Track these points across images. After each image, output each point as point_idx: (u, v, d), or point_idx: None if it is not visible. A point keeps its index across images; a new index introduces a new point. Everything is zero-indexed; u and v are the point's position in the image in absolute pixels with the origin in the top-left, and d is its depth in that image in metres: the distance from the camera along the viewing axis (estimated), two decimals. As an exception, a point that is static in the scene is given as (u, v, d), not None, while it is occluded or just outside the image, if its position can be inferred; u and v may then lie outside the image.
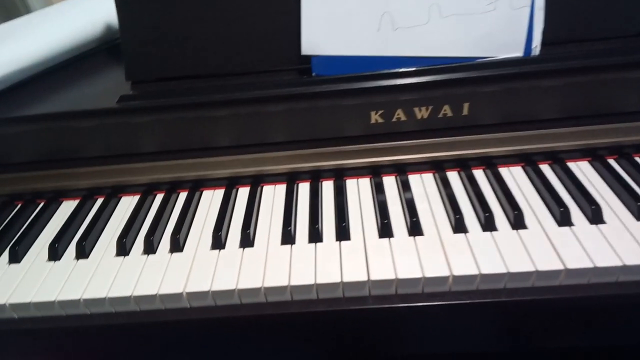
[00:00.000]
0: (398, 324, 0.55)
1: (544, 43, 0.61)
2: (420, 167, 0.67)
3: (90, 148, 0.68)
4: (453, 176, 0.66)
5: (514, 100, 0.60)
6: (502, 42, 0.59)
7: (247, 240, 0.58)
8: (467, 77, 0.59)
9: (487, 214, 0.57)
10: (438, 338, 0.57)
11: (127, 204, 0.69)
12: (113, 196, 0.70)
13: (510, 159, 0.66)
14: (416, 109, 0.60)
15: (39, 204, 0.71)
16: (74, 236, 0.64)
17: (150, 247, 0.59)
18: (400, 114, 0.61)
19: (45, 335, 0.56)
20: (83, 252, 0.60)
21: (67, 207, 0.69)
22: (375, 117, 0.61)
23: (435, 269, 0.52)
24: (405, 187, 0.64)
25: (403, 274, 0.52)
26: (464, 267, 0.52)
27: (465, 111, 0.61)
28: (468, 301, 0.52)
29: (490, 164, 0.66)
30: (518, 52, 0.60)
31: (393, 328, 0.56)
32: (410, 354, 0.60)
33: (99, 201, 0.69)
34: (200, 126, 0.66)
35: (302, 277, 0.53)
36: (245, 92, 0.65)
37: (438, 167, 0.67)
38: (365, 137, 0.65)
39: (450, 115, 0.61)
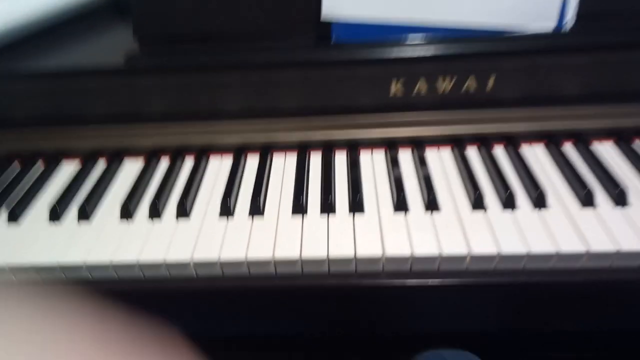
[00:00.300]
0: (410, 301, 0.54)
1: (578, 16, 0.58)
2: (438, 141, 0.64)
3: (94, 108, 0.65)
4: (472, 152, 0.64)
5: (542, 76, 0.58)
6: (533, 11, 0.56)
7: (256, 209, 0.56)
8: (496, 49, 0.56)
9: (507, 192, 0.55)
10: (450, 317, 0.56)
11: (131, 168, 0.66)
12: (116, 158, 0.67)
13: (533, 137, 0.64)
14: (439, 81, 0.58)
15: (39, 163, 0.68)
16: (75, 197, 0.61)
17: (155, 212, 0.57)
18: (422, 86, 0.58)
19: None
20: (85, 215, 0.58)
21: (68, 168, 0.67)
22: (395, 87, 0.58)
23: (453, 246, 0.50)
24: (422, 161, 0.62)
25: (420, 251, 0.50)
26: (483, 245, 0.50)
27: (490, 85, 0.58)
28: (486, 281, 0.50)
29: (512, 141, 0.64)
30: (550, 24, 0.57)
31: (405, 305, 0.54)
32: (420, 332, 0.58)
33: (102, 163, 0.67)
34: (209, 90, 0.63)
35: (314, 249, 0.51)
36: (258, 56, 0.62)
37: (457, 143, 0.64)
38: (383, 109, 0.63)
39: (474, 88, 0.58)
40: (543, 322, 0.54)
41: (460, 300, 0.53)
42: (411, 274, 0.51)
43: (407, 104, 0.61)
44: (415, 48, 0.57)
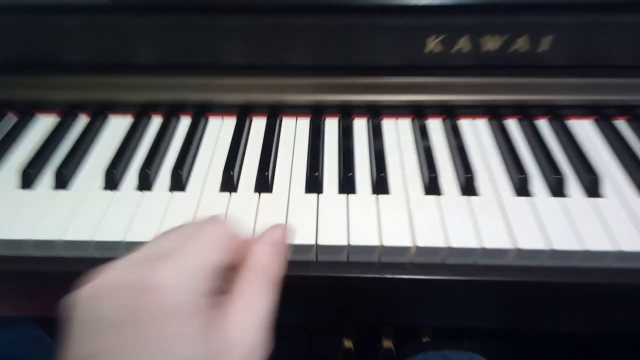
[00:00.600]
0: (440, 296, 0.47)
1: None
2: (473, 110, 0.56)
3: (74, 53, 0.55)
4: (513, 125, 0.55)
5: (609, 39, 0.49)
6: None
7: (264, 184, 0.48)
8: (563, 2, 0.46)
9: (557, 176, 0.47)
10: (486, 315, 0.49)
11: (117, 126, 0.57)
12: (100, 115, 0.58)
13: (580, 110, 0.55)
14: (485, 38, 0.48)
15: (10, 116, 0.58)
16: (50, 160, 0.53)
17: (146, 182, 0.49)
18: (464, 43, 0.49)
19: (13, 278, 0.47)
20: (63, 182, 0.49)
21: (44, 124, 0.57)
22: (432, 44, 0.49)
23: (496, 238, 0.43)
24: (455, 133, 0.54)
25: (457, 242, 0.43)
26: (530, 239, 0.43)
27: (543, 46, 0.49)
28: (532, 280, 0.43)
29: (557, 115, 0.55)
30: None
31: (433, 301, 0.48)
32: (448, 328, 0.52)
33: (83, 119, 0.58)
34: (209, 36, 0.53)
35: (332, 235, 0.43)
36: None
37: (495, 113, 0.56)
38: (412, 69, 0.54)
39: (525, 50, 0.49)
40: (598, 327, 0.48)
41: (493, 298, 0.47)
42: (442, 266, 0.44)
43: (441, 64, 0.52)
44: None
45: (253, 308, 0.29)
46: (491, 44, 0.49)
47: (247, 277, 0.30)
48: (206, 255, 0.28)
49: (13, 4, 0.53)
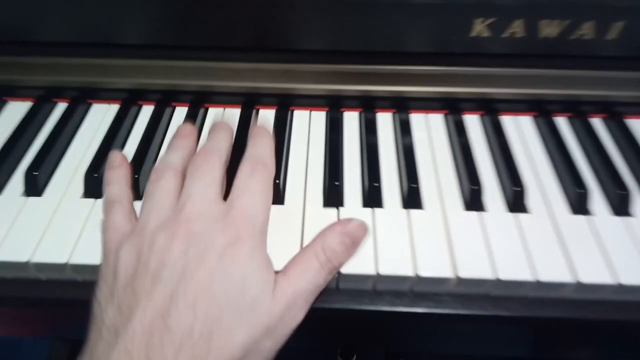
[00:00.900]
0: (484, 333, 0.40)
1: None
2: (516, 105, 0.48)
3: (49, 29, 0.46)
4: (563, 124, 0.47)
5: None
6: None
7: (275, 195, 0.40)
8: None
9: (622, 192, 0.40)
10: (528, 351, 0.43)
11: (100, 117, 0.49)
12: (81, 102, 0.49)
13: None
14: (543, 22, 0.40)
15: (-25, 102, 0.50)
16: (21, 159, 0.45)
17: (136, 189, 0.41)
18: (517, 27, 0.40)
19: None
20: (35, 187, 0.41)
21: (13, 112, 0.49)
22: (480, 27, 0.41)
23: (552, 269, 0.36)
24: (497, 132, 0.46)
25: (506, 274, 0.36)
26: (593, 270, 0.36)
27: (612, 34, 0.41)
28: (596, 317, 0.37)
29: (613, 113, 0.48)
30: None
31: (470, 337, 0.41)
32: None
33: (60, 107, 0.49)
34: (207, 11, 0.44)
35: (357, 261, 0.36)
36: None
37: (542, 109, 0.48)
38: (447, 57, 0.45)
39: (589, 37, 0.41)
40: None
41: (541, 336, 0.40)
42: (487, 300, 0.37)
43: (486, 52, 0.44)
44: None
45: (304, 277, 0.33)
46: (550, 29, 0.40)
47: (310, 249, 0.34)
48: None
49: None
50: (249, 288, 0.31)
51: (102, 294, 0.32)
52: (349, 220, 0.36)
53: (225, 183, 0.39)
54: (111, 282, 0.32)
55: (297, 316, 0.33)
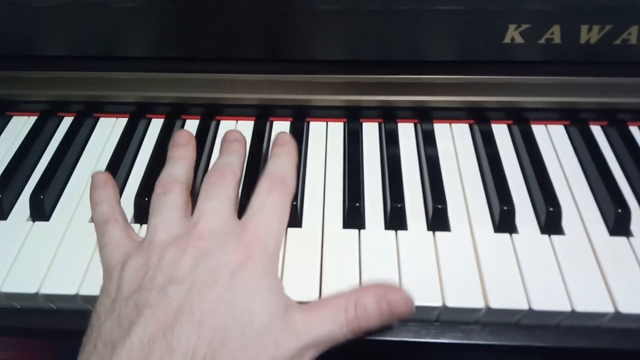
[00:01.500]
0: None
1: None
2: (548, 114, 0.45)
3: (54, 42, 0.44)
4: (599, 134, 0.44)
5: None
6: None
7: (292, 216, 0.38)
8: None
9: (665, 211, 0.37)
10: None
11: (107, 131, 0.47)
12: (87, 116, 0.47)
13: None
14: (584, 27, 0.37)
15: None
16: (28, 178, 0.43)
17: (146, 212, 0.39)
18: (554, 33, 0.37)
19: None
20: (41, 211, 0.39)
21: (17, 128, 0.47)
22: (513, 33, 0.37)
23: (589, 299, 0.34)
24: (528, 142, 0.43)
25: (539, 304, 0.33)
26: (633, 300, 0.34)
27: (656, 40, 0.38)
28: (636, 347, 0.34)
29: (652, 120, 0.45)
30: None
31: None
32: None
33: (66, 122, 0.47)
34: (217, 22, 0.42)
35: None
36: None
37: (575, 118, 0.45)
38: (474, 65, 0.42)
39: (632, 43, 0.38)
40: None
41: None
42: (517, 330, 0.35)
43: (517, 60, 0.41)
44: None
45: (325, 325, 0.30)
46: (590, 34, 0.37)
47: (342, 299, 0.31)
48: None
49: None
50: (258, 314, 0.29)
51: (102, 306, 0.30)
52: (397, 288, 0.32)
53: (238, 199, 0.37)
54: (114, 295, 0.30)
55: (303, 357, 0.30)
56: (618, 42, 0.37)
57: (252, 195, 0.35)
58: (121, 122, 0.47)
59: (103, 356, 0.27)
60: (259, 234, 0.33)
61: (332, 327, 0.30)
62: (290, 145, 0.39)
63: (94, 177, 0.39)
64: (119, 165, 0.43)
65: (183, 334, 0.27)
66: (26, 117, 0.48)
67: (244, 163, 0.40)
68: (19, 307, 0.37)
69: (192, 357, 0.27)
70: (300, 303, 0.32)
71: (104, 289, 0.32)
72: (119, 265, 0.32)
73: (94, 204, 0.37)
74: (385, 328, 0.33)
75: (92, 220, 0.39)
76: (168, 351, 0.26)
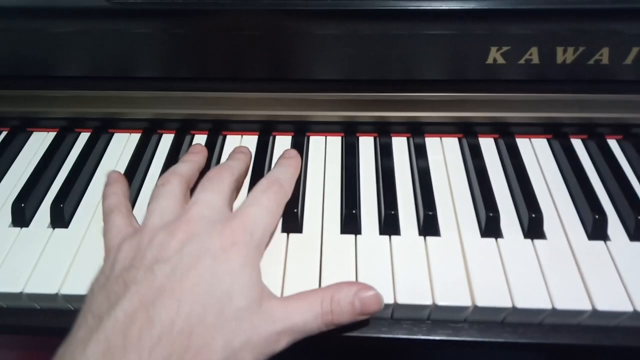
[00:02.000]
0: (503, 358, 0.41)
1: None
2: (531, 129, 0.48)
3: (72, 63, 0.48)
4: (579, 147, 0.48)
5: None
6: None
7: (293, 223, 0.41)
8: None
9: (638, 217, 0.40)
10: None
11: (121, 146, 0.50)
12: (102, 132, 0.51)
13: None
14: (559, 49, 0.40)
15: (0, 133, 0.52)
16: (48, 189, 0.46)
17: (156, 219, 0.42)
18: (533, 54, 0.41)
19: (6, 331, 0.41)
20: (61, 219, 0.42)
21: (37, 143, 0.51)
22: (495, 54, 0.41)
23: (569, 297, 0.36)
24: (513, 155, 0.46)
25: (523, 302, 0.36)
26: (610, 298, 0.36)
27: (628, 59, 0.41)
28: (613, 343, 0.37)
29: (629, 134, 0.48)
30: None
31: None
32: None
33: (83, 137, 0.51)
34: (224, 45, 0.45)
35: (377, 289, 0.37)
36: (283, 2, 0.43)
37: (557, 132, 0.48)
38: (462, 84, 0.46)
39: (605, 63, 0.41)
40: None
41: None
42: (503, 327, 0.38)
43: (501, 79, 0.44)
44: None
45: (301, 314, 0.33)
46: (566, 55, 0.41)
47: (318, 293, 0.34)
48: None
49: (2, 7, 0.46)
50: (237, 297, 0.31)
51: (96, 283, 0.33)
52: (368, 287, 0.35)
53: (234, 198, 0.40)
54: (108, 273, 0.33)
55: (277, 346, 0.32)
56: (592, 62, 0.41)
57: (249, 193, 0.38)
58: (134, 137, 0.50)
59: (92, 327, 0.29)
60: (247, 223, 0.35)
61: (308, 317, 0.33)
62: (295, 159, 0.43)
63: (108, 175, 0.43)
64: (133, 176, 0.46)
65: (163, 308, 0.29)
66: (45, 133, 0.51)
67: (245, 170, 0.44)
68: (38, 307, 0.40)
69: (170, 329, 0.29)
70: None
71: (101, 269, 0.34)
72: (116, 248, 0.34)
73: (104, 197, 0.41)
74: (357, 324, 0.36)
75: (108, 227, 0.42)
76: (148, 322, 0.29)
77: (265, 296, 0.33)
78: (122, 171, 0.47)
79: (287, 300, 0.34)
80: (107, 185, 0.42)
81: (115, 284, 0.31)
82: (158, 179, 0.40)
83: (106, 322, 0.29)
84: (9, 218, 0.43)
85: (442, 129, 0.49)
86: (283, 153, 0.44)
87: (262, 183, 0.39)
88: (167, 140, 0.50)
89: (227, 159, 0.43)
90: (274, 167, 0.42)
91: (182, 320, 0.29)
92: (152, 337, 0.28)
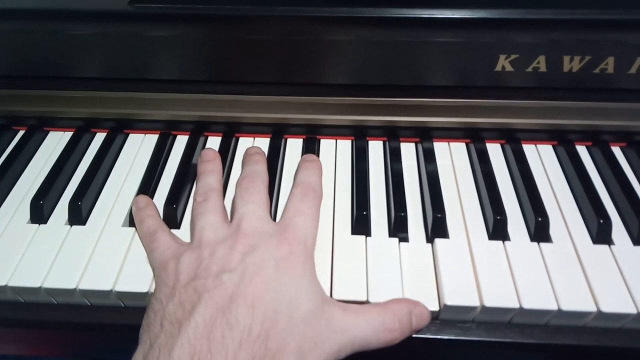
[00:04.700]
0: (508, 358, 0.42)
1: None
2: (537, 135, 0.49)
3: (90, 65, 0.49)
4: (584, 153, 0.49)
5: None
6: None
7: (305, 224, 0.42)
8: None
9: (642, 221, 0.41)
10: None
11: (136, 146, 0.51)
12: (118, 132, 0.52)
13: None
14: (566, 58, 0.42)
15: (17, 132, 0.53)
16: (65, 187, 0.47)
17: (174, 218, 0.43)
18: (540, 62, 0.42)
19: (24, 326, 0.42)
20: (79, 216, 0.43)
21: (54, 142, 0.52)
22: (504, 62, 0.42)
23: (575, 299, 0.37)
24: (519, 160, 0.47)
25: (529, 303, 0.37)
26: (614, 300, 0.37)
27: (632, 69, 0.42)
28: (618, 345, 0.38)
29: (632, 142, 0.49)
30: None
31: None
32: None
33: (99, 138, 0.52)
34: (239, 49, 0.46)
35: (385, 291, 0.38)
36: (298, 8, 0.44)
37: (562, 139, 0.49)
38: (470, 90, 0.47)
39: (611, 71, 0.42)
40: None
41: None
42: (510, 328, 0.39)
43: (508, 86, 0.45)
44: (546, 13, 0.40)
45: (363, 326, 0.34)
46: (572, 64, 0.42)
47: (378, 307, 0.35)
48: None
49: (22, 9, 0.47)
50: (303, 302, 0.33)
51: (162, 293, 0.34)
52: (419, 303, 0.36)
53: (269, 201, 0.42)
54: (172, 283, 0.34)
55: (337, 356, 0.33)
56: (597, 71, 0.42)
57: (287, 202, 0.40)
58: (149, 138, 0.51)
59: (172, 333, 0.30)
60: (299, 234, 0.37)
61: (368, 331, 0.34)
62: (317, 162, 0.45)
63: (136, 200, 0.43)
64: (152, 177, 0.47)
65: (240, 314, 0.31)
66: (62, 132, 0.52)
67: (266, 169, 0.44)
68: (55, 302, 0.41)
69: (249, 333, 0.30)
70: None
71: (160, 280, 0.35)
72: (173, 260, 0.35)
73: (139, 221, 0.41)
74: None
75: (124, 224, 0.43)
76: (228, 327, 0.30)
77: (326, 302, 0.34)
78: (137, 170, 0.48)
79: (349, 310, 0.34)
80: (138, 209, 0.42)
81: (184, 292, 0.33)
82: (196, 195, 0.41)
83: (186, 327, 0.30)
84: (27, 215, 0.44)
85: (450, 134, 0.50)
86: (303, 157, 0.46)
87: (296, 191, 0.41)
88: (182, 141, 0.51)
89: (247, 164, 0.44)
90: (299, 171, 0.43)
91: (258, 325, 0.31)
92: (234, 340, 0.30)
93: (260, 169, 0.43)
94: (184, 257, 0.35)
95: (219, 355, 0.29)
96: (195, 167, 0.48)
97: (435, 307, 0.37)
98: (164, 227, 0.41)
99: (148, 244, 0.40)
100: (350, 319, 0.34)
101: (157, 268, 0.37)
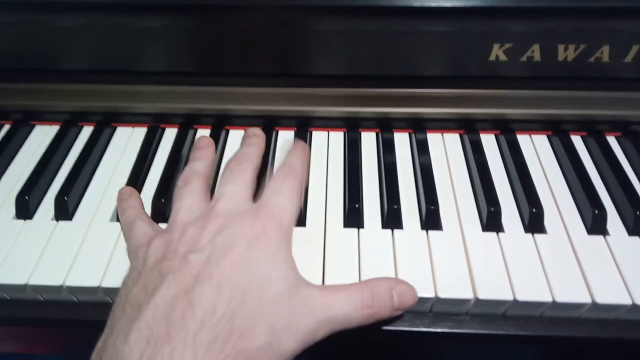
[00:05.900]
0: (503, 353, 0.41)
1: None
2: (531, 125, 0.49)
3: (76, 57, 0.48)
4: (579, 143, 0.48)
5: None
6: None
7: (297, 217, 0.41)
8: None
9: (638, 211, 0.41)
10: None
11: (125, 140, 0.50)
12: (106, 126, 0.51)
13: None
14: (560, 47, 0.41)
15: (3, 126, 0.52)
16: (51, 182, 0.46)
17: (162, 212, 0.42)
18: (535, 51, 0.41)
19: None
20: (65, 211, 0.43)
21: (40, 136, 0.51)
22: (498, 51, 0.42)
23: (569, 290, 0.37)
24: (513, 151, 0.47)
25: (523, 295, 0.37)
26: (609, 292, 0.37)
27: (628, 57, 0.42)
28: (613, 336, 0.37)
29: (628, 131, 0.48)
30: None
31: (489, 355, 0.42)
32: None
33: (86, 131, 0.51)
34: (228, 40, 0.45)
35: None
36: None
37: (557, 129, 0.49)
38: (464, 80, 0.46)
39: (605, 60, 0.42)
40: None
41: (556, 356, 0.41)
42: (505, 320, 0.38)
43: (502, 75, 0.45)
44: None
45: (341, 305, 0.33)
46: (567, 52, 0.41)
47: (357, 286, 0.34)
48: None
49: (7, 1, 0.46)
50: (275, 281, 0.32)
51: (129, 278, 0.33)
52: (403, 281, 0.36)
53: (255, 188, 0.40)
54: (140, 268, 0.33)
55: (316, 335, 0.32)
56: (592, 60, 0.41)
57: (268, 182, 0.39)
58: (137, 131, 0.50)
59: (131, 316, 0.29)
60: (274, 212, 0.35)
61: (348, 309, 0.33)
62: (305, 149, 0.43)
63: (120, 191, 0.43)
64: (139, 171, 0.46)
65: (203, 294, 0.29)
66: (49, 126, 0.51)
67: (261, 153, 0.43)
68: (42, 299, 0.40)
69: (212, 313, 0.29)
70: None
71: (131, 266, 0.35)
72: (145, 245, 0.35)
73: (121, 212, 0.41)
74: (392, 318, 0.36)
75: (112, 219, 0.43)
76: (189, 307, 0.29)
77: (302, 282, 0.33)
78: (125, 164, 0.47)
79: (327, 290, 0.33)
80: (121, 200, 0.42)
81: (149, 275, 0.31)
82: (178, 180, 0.40)
83: (145, 309, 0.29)
84: (12, 210, 0.43)
85: (443, 125, 0.49)
86: (293, 145, 0.44)
87: (279, 172, 0.39)
88: (170, 134, 0.50)
89: (243, 145, 0.43)
90: (286, 157, 0.42)
91: (224, 305, 0.29)
92: (195, 321, 0.28)
93: (252, 152, 0.42)
94: (155, 240, 0.34)
95: (177, 336, 0.28)
96: (184, 160, 0.47)
97: (432, 295, 0.37)
98: (144, 216, 0.40)
99: (126, 232, 0.39)
100: (328, 297, 0.33)
101: (130, 255, 0.37)
